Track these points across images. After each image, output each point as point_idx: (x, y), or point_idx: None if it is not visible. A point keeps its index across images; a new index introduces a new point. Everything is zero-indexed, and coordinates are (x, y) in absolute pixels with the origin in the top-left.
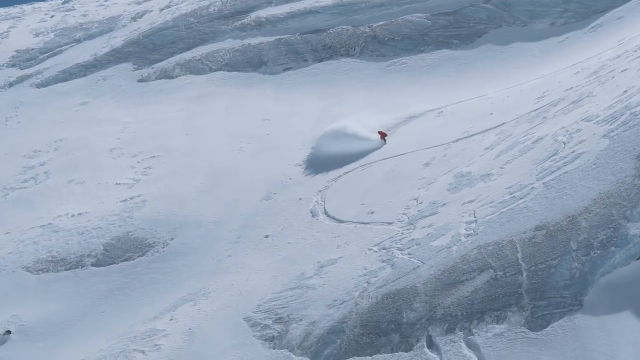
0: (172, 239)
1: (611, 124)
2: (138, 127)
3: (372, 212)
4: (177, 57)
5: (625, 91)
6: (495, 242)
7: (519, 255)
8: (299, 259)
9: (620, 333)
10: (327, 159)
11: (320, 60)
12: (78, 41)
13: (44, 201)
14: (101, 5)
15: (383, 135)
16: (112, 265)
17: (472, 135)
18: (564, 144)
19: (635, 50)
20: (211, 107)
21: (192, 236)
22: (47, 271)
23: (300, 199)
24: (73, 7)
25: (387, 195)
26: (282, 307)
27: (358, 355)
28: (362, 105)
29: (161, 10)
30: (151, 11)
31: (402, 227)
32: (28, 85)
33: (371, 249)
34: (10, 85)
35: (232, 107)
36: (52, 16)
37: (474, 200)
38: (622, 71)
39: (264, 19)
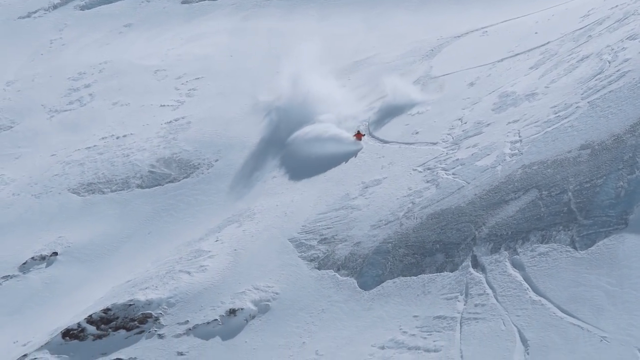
0: (217, 160)
1: None
2: (182, 49)
3: (417, 133)
4: None
5: None
6: (540, 162)
7: (564, 174)
8: (343, 179)
9: None
10: (303, 161)
11: None
12: None
13: (89, 123)
14: None
15: (360, 136)
16: (157, 187)
17: (517, 54)
18: (609, 63)
19: None
20: (255, 28)
21: (236, 157)
22: (92, 193)
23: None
24: None
25: (431, 115)
26: (327, 228)
27: (403, 276)
28: (409, 24)
29: None
30: None
31: (447, 147)
32: (72, 7)
33: (415, 169)
34: (55, 7)
35: (275, 28)
36: None
37: (518, 120)
38: None
39: None
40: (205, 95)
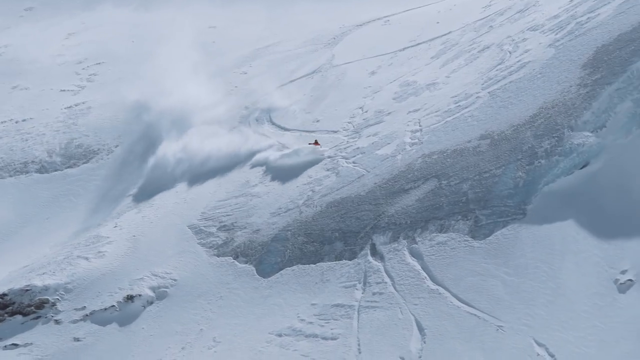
0: (117, 146)
1: (557, 34)
2: (83, 33)
3: (317, 121)
4: None
5: (571, 0)
6: (440, 151)
7: (464, 164)
8: (246, 170)
9: (563, 241)
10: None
11: None
12: None
13: None
14: None
15: (317, 145)
16: (56, 172)
17: (418, 44)
18: (510, 53)
19: None
20: (157, 13)
21: (136, 144)
22: None
23: (246, 108)
24: None
25: (333, 103)
26: (227, 215)
27: (302, 263)
28: (311, 12)
29: None
30: None
31: (347, 135)
32: None
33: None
34: None
35: (177, 13)
36: None
37: (419, 109)
38: None
39: None
40: (106, 80)
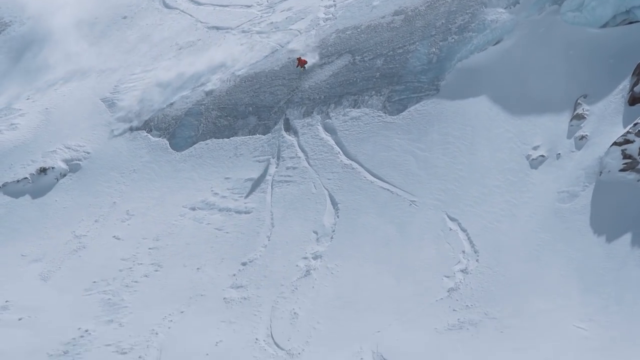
0: (29, 18)
1: None
2: None
3: None
4: None
5: None
6: (354, 27)
7: (378, 39)
8: (157, 42)
9: (476, 117)
10: None
11: None
12: None
13: None
14: None
15: (302, 62)
16: None
17: None
18: None
19: None
20: None
21: (49, 22)
22: None
23: None
24: None
25: None
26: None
27: (216, 137)
28: None
29: None
30: None
31: (261, 10)
32: None
33: (229, 32)
34: None
35: None
36: None
37: None
38: None
39: None
40: None
